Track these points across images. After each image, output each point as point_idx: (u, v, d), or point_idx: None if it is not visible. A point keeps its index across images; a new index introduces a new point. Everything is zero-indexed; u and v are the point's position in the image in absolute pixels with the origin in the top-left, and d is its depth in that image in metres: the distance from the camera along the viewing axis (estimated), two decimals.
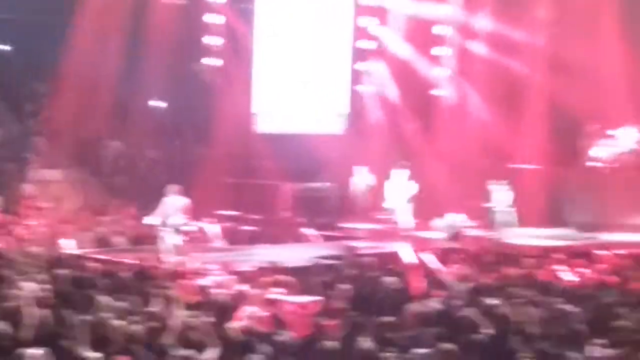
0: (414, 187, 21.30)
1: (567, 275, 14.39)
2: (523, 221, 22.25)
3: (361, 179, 22.84)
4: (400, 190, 21.17)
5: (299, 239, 19.54)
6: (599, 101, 22.94)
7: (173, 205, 17.61)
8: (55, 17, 24.22)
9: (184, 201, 17.68)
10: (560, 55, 23.20)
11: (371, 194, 23.03)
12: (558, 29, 23.96)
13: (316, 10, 26.42)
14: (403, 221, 20.87)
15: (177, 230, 17.52)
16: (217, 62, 26.10)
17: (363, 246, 17.07)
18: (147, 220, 18.04)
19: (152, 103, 27.21)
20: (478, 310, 11.00)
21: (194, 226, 18.59)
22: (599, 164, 23.39)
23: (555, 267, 14.90)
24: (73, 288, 12.13)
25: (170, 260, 16.59)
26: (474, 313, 10.83)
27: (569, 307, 11.25)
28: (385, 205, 21.48)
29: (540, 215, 22.14)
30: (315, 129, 26.02)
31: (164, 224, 17.49)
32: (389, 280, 13.07)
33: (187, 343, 9.87)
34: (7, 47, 26.03)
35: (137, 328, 10.09)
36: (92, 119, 24.99)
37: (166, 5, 25.22)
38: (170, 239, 17.35)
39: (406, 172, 21.19)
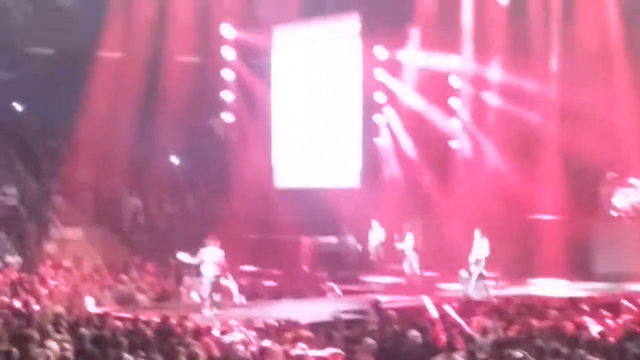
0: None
1: (593, 326, 14.23)
2: (545, 272, 22.13)
3: (373, 232, 22.92)
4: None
5: (321, 293, 19.40)
6: (614, 149, 22.93)
7: (210, 256, 17.74)
8: (70, 75, 24.47)
9: (219, 253, 17.80)
10: (573, 104, 23.22)
11: (382, 247, 23.06)
12: (569, 78, 24.00)
13: (330, 64, 26.59)
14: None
15: (211, 282, 17.66)
16: (232, 117, 26.27)
17: (385, 300, 16.93)
18: (181, 256, 18.19)
19: (169, 159, 27.37)
20: None
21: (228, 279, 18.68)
22: (620, 213, 23.30)
23: (582, 318, 14.74)
24: (95, 347, 12.06)
25: (207, 314, 16.72)
26: None
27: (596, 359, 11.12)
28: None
29: (564, 265, 22.01)
30: (332, 183, 26.04)
31: (198, 272, 17.59)
32: (413, 334, 12.94)
33: None
34: (22, 107, 26.21)
35: None
36: (109, 177, 25.13)
37: (181, 63, 25.44)
38: (204, 290, 17.53)
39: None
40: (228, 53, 26.02)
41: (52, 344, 11.79)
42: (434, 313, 15.26)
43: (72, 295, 18.39)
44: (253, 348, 12.93)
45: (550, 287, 21.20)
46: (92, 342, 12.52)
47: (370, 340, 12.54)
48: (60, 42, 24.82)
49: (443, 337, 12.89)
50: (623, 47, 23.21)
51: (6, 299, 16.38)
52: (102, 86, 24.58)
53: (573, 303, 16.12)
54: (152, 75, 24.47)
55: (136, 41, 24.68)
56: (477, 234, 20.47)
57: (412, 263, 23.10)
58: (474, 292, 20.51)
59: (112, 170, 25.37)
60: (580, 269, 22.22)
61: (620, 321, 14.32)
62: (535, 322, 14.25)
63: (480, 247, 20.52)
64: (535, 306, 16.20)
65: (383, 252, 23.42)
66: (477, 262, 20.63)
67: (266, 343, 13.16)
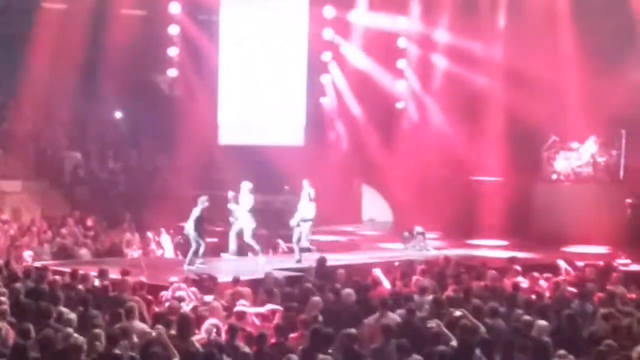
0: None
1: (530, 287, 14.47)
2: (485, 232, 22.42)
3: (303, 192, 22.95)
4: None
5: (263, 251, 19.43)
6: (557, 114, 23.17)
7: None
8: (11, 29, 24.03)
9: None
10: (519, 68, 23.36)
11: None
12: (516, 41, 24.13)
13: (277, 22, 26.44)
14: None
15: None
16: (177, 73, 26.06)
17: (330, 258, 17.01)
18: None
19: (112, 114, 27.09)
20: (441, 322, 10.99)
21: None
22: (560, 177, 23.63)
23: (518, 278, 14.97)
24: (32, 300, 11.97)
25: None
26: (438, 325, 10.84)
27: (533, 319, 11.30)
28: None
29: (503, 227, 22.29)
30: (276, 140, 26.01)
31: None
32: (347, 291, 13.05)
33: (149, 356, 9.78)
34: None
35: (98, 341, 10.00)
36: (51, 130, 24.78)
37: (126, 17, 25.06)
38: None
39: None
40: (174, 8, 25.69)
41: None
42: (377, 272, 15.46)
43: (10, 249, 18.21)
44: (193, 304, 12.95)
45: (489, 248, 21.48)
46: (28, 295, 12.44)
47: (316, 297, 12.64)
48: None
49: (383, 296, 13.01)
50: (570, 10, 23.36)
51: None
52: (45, 38, 24.14)
53: (511, 263, 16.34)
54: (96, 28, 24.06)
55: None
56: None
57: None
58: (415, 251, 20.73)
59: (53, 123, 25.00)
60: (519, 231, 22.52)
61: (555, 282, 14.57)
62: (474, 282, 14.48)
63: None
64: (474, 266, 16.41)
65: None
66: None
67: (208, 298, 13.21)
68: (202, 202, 17.83)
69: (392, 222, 26.30)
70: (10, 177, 23.41)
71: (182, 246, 19.54)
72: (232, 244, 19.34)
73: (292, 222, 19.23)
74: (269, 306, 12.58)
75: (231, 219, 19.35)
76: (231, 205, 19.26)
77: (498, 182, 23.83)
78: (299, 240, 19.00)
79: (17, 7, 24.28)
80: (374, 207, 27.43)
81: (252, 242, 18.84)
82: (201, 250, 17.75)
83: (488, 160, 24.14)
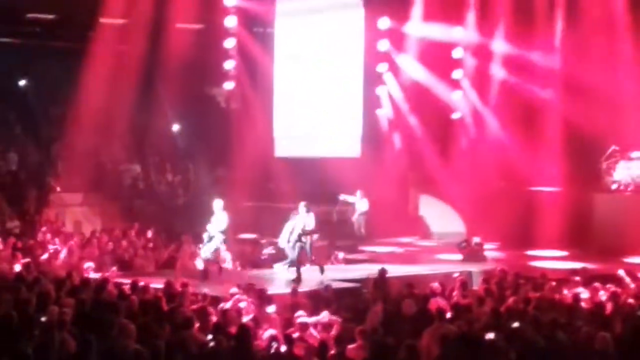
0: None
1: (590, 298, 14.28)
2: (545, 243, 22.19)
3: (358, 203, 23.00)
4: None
5: (320, 261, 19.43)
6: (617, 123, 22.91)
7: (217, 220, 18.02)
8: (71, 41, 24.39)
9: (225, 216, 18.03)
10: (577, 77, 23.17)
11: (364, 217, 23.11)
12: (574, 50, 23.94)
13: (333, 34, 26.53)
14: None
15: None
16: (233, 86, 26.28)
17: (388, 269, 16.95)
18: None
19: (170, 127, 27.36)
20: (500, 333, 10.89)
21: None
22: (620, 186, 23.33)
23: (579, 289, 14.79)
24: (94, 312, 12.10)
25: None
26: (497, 336, 10.74)
27: (594, 330, 11.15)
28: None
29: (563, 237, 22.05)
30: (332, 152, 26.07)
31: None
32: (412, 302, 13.00)
33: None
34: (23, 73, 26.12)
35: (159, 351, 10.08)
36: (110, 143, 25.10)
37: (183, 31, 25.33)
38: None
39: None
40: (231, 21, 25.91)
41: (52, 309, 11.84)
42: (436, 283, 15.38)
43: (72, 261, 18.44)
44: (252, 315, 12.99)
45: (549, 259, 21.25)
46: (90, 306, 12.58)
47: (376, 308, 12.61)
48: (62, 7, 24.67)
49: (442, 307, 12.93)
50: (628, 19, 23.11)
51: (6, 265, 16.39)
52: (104, 53, 24.49)
53: (571, 275, 16.15)
54: (153, 42, 24.37)
55: (138, 8, 24.55)
56: None
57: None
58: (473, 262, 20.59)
59: (112, 136, 25.34)
60: (579, 241, 22.25)
61: (616, 293, 14.35)
62: (532, 293, 14.33)
63: None
64: (533, 277, 16.23)
65: (364, 222, 23.41)
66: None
67: (270, 309, 13.22)
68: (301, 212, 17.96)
69: (451, 234, 26.14)
70: (71, 190, 23.76)
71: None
72: (291, 254, 19.24)
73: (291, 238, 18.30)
74: (327, 314, 12.56)
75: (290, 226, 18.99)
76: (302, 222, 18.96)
77: (557, 193, 23.61)
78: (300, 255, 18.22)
79: (75, 21, 24.63)
80: (432, 218, 27.27)
81: (212, 256, 18.18)
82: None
83: (547, 171, 23.96)
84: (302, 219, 18.23)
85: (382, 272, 16.14)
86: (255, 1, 26.31)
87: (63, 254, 18.73)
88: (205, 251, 18.05)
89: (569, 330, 11.68)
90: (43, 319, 11.22)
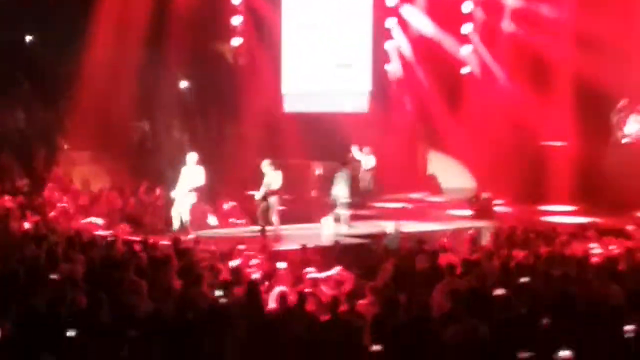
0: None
1: (602, 252, 14.24)
2: (555, 198, 22.13)
3: (365, 159, 22.85)
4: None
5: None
6: (628, 76, 22.71)
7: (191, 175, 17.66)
8: (77, 1, 24.21)
9: (201, 171, 17.61)
10: (588, 30, 22.92)
11: (371, 173, 23.02)
12: (585, 3, 23.67)
13: None
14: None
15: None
16: (240, 42, 26.12)
17: (400, 225, 16.95)
18: (174, 194, 18.16)
19: (177, 84, 27.24)
20: (510, 288, 10.87)
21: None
22: (631, 140, 23.19)
23: (589, 244, 14.76)
24: (104, 269, 12.12)
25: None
26: (507, 291, 10.71)
27: (605, 284, 11.11)
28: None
29: (573, 192, 21.99)
30: (341, 108, 25.96)
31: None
32: (421, 258, 12.99)
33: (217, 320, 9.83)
34: (30, 30, 25.98)
35: (167, 307, 10.09)
36: (118, 101, 25.01)
37: None
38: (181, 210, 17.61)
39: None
40: None
41: (62, 266, 11.87)
42: (444, 239, 15.39)
43: (80, 218, 18.47)
44: (261, 271, 13.00)
45: (559, 214, 21.21)
46: (100, 264, 12.60)
47: (387, 264, 12.62)
48: None
49: (451, 263, 12.92)
50: None
51: (15, 223, 16.42)
52: (111, 10, 24.32)
53: (581, 229, 16.11)
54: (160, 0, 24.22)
55: None
56: None
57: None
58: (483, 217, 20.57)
59: (120, 94, 25.22)
60: (590, 195, 22.17)
61: (628, 247, 14.32)
62: (543, 248, 14.31)
63: None
64: (543, 232, 16.21)
65: (371, 179, 23.34)
66: None
67: (280, 265, 13.22)
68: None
69: (460, 189, 26.09)
70: (79, 148, 23.73)
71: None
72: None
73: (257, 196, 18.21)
74: (338, 269, 12.55)
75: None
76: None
77: (567, 147, 23.49)
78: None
79: None
80: (441, 173, 27.18)
81: (188, 217, 18.05)
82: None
83: (557, 125, 23.79)
84: (269, 177, 17.88)
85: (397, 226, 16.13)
86: None
87: (72, 212, 18.76)
88: (177, 215, 17.72)
89: (580, 284, 11.66)
90: (54, 276, 11.25)
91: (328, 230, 18.25)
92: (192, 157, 17.93)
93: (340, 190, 18.82)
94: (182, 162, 18.35)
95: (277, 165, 17.97)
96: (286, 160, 20.58)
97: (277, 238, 17.43)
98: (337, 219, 18.67)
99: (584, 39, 22.99)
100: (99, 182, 22.54)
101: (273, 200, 17.94)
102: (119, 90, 25.00)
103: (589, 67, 22.43)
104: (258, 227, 18.02)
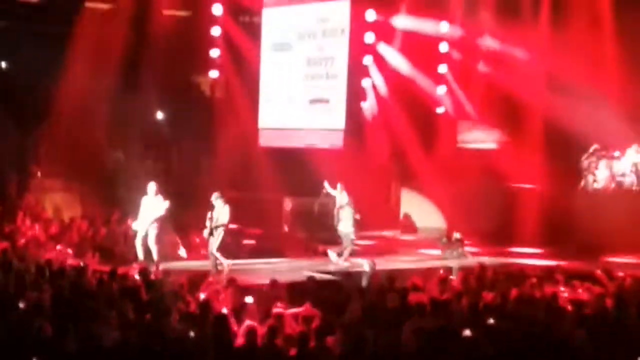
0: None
1: (569, 296, 14.33)
2: (524, 240, 22.26)
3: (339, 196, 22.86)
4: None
5: (300, 253, 19.48)
6: (599, 122, 22.97)
7: (151, 206, 17.60)
8: (53, 28, 24.21)
9: (160, 200, 17.62)
10: (560, 75, 23.20)
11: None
12: (558, 48, 23.96)
13: (319, 25, 26.43)
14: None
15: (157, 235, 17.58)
16: (218, 74, 26.21)
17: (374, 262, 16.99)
18: (135, 226, 18.08)
19: (153, 115, 27.26)
20: (478, 329, 10.93)
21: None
22: (601, 185, 23.42)
23: (558, 287, 14.84)
24: (72, 298, 12.08)
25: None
26: (474, 332, 10.77)
27: (572, 329, 11.21)
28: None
29: (542, 235, 22.14)
30: (315, 143, 26.05)
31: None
32: (392, 296, 13.02)
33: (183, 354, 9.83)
34: (6, 57, 25.94)
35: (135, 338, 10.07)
36: (92, 130, 24.99)
37: (168, 18, 25.23)
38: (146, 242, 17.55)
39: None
40: (217, 9, 25.84)
41: (30, 294, 11.82)
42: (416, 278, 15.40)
43: (51, 246, 18.37)
44: (229, 304, 12.97)
45: (528, 256, 21.33)
46: (69, 293, 12.55)
47: (357, 302, 12.64)
48: None
49: (420, 302, 12.96)
50: (614, 19, 23.16)
51: None
52: (88, 38, 24.34)
53: (550, 272, 16.21)
54: (138, 29, 24.27)
55: None
56: None
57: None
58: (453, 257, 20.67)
59: (95, 123, 25.21)
60: (559, 239, 22.33)
61: (594, 292, 14.41)
62: (512, 290, 14.36)
63: None
64: (512, 274, 16.29)
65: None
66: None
67: (248, 300, 13.20)
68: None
69: (430, 228, 26.22)
70: (51, 175, 23.65)
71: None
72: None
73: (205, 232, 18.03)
74: (307, 306, 12.55)
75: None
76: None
77: (538, 190, 23.68)
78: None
79: (59, 5, 24.45)
80: (413, 212, 27.32)
81: (155, 248, 17.96)
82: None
83: (528, 168, 24.00)
84: (217, 211, 17.76)
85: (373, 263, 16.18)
86: None
87: (42, 240, 18.67)
88: (139, 246, 17.62)
89: (547, 327, 11.74)
90: (21, 304, 11.20)
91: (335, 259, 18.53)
92: (151, 187, 17.86)
93: (345, 226, 18.91)
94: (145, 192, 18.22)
95: (226, 199, 17.86)
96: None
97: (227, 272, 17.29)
98: (339, 254, 18.76)
99: (556, 83, 23.28)
100: (71, 210, 22.48)
101: (219, 232, 17.81)
102: (94, 119, 25.00)
103: (561, 111, 22.69)
104: (219, 262, 17.89)
